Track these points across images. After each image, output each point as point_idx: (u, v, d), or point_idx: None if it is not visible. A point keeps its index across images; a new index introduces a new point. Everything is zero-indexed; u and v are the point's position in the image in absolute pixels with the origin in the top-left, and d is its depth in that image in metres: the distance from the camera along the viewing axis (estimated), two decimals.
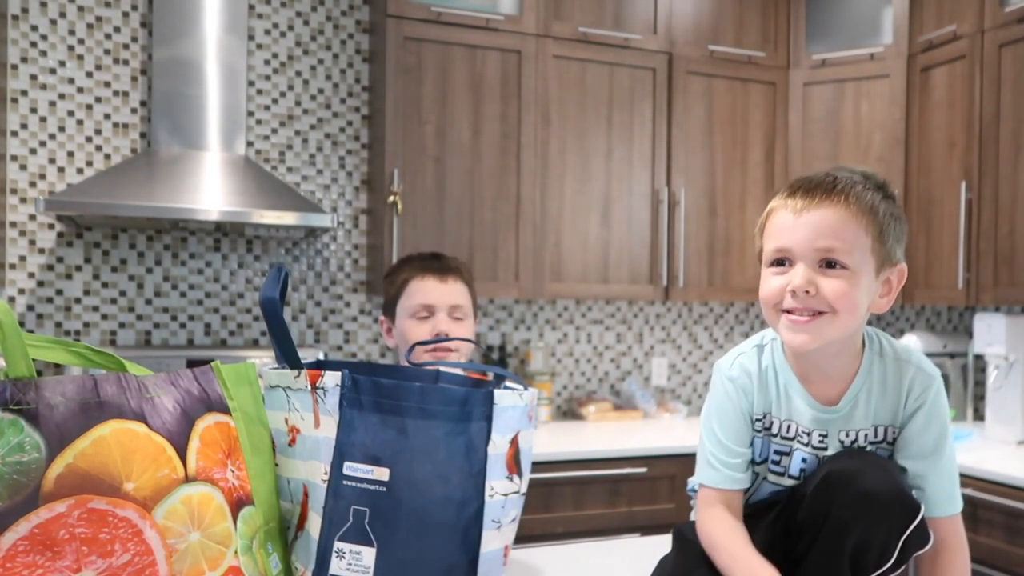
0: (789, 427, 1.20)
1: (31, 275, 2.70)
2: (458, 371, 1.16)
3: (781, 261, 1.11)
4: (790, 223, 1.10)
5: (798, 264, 1.08)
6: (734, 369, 1.22)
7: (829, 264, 1.07)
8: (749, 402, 1.20)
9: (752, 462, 1.23)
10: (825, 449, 1.17)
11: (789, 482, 1.20)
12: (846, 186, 1.09)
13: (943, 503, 1.13)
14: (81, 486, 0.70)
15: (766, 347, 1.22)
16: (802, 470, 1.19)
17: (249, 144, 2.90)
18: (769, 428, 1.21)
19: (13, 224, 2.68)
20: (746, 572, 1.09)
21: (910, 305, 3.37)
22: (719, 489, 1.20)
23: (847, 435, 1.16)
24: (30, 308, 2.70)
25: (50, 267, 2.71)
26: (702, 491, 1.22)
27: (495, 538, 0.98)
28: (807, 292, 1.06)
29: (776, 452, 1.22)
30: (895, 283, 1.13)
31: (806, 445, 1.18)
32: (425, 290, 1.59)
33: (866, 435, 1.16)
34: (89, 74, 2.75)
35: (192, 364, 2.62)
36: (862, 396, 1.15)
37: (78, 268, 2.74)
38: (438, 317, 1.57)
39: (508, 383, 1.09)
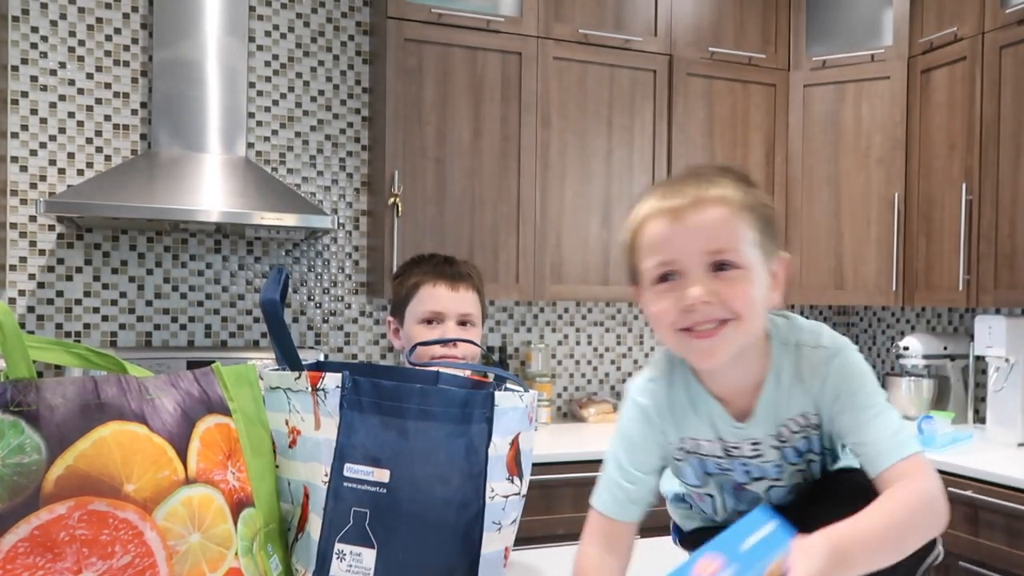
0: (715, 446, 1.11)
1: (31, 276, 2.70)
2: (458, 372, 1.16)
3: (667, 276, 0.98)
4: (669, 232, 0.97)
5: (689, 275, 0.96)
6: (645, 396, 1.11)
7: (721, 267, 0.96)
8: (662, 432, 1.10)
9: (685, 486, 1.16)
10: (761, 456, 1.08)
11: (756, 487, 1.12)
12: (717, 183, 0.99)
13: (889, 451, 0.99)
14: (81, 488, 0.70)
15: (676, 368, 1.11)
16: (747, 473, 1.11)
17: (249, 145, 2.90)
18: (697, 451, 1.12)
19: (13, 225, 2.68)
20: None
21: (911, 307, 3.37)
22: (604, 515, 1.11)
23: (773, 436, 1.08)
24: (30, 309, 2.70)
25: (50, 268, 2.72)
26: (589, 513, 1.13)
27: (495, 540, 0.98)
28: (706, 303, 0.95)
29: (707, 473, 1.13)
30: (781, 274, 1.04)
31: (738, 457, 1.09)
32: (436, 297, 1.57)
33: (791, 428, 1.07)
34: (89, 75, 2.75)
35: (192, 365, 2.62)
36: (776, 399, 1.05)
37: (78, 269, 2.74)
38: (447, 325, 1.56)
39: (508, 385, 1.09)
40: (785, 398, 1.05)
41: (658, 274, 0.98)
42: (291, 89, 2.97)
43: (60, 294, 2.72)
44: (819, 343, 1.06)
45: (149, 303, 2.81)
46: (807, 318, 1.09)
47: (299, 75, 2.98)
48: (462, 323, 1.57)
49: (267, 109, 2.94)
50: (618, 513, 1.11)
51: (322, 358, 2.89)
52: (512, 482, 0.99)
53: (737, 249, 0.96)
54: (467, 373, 1.16)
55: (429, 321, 1.56)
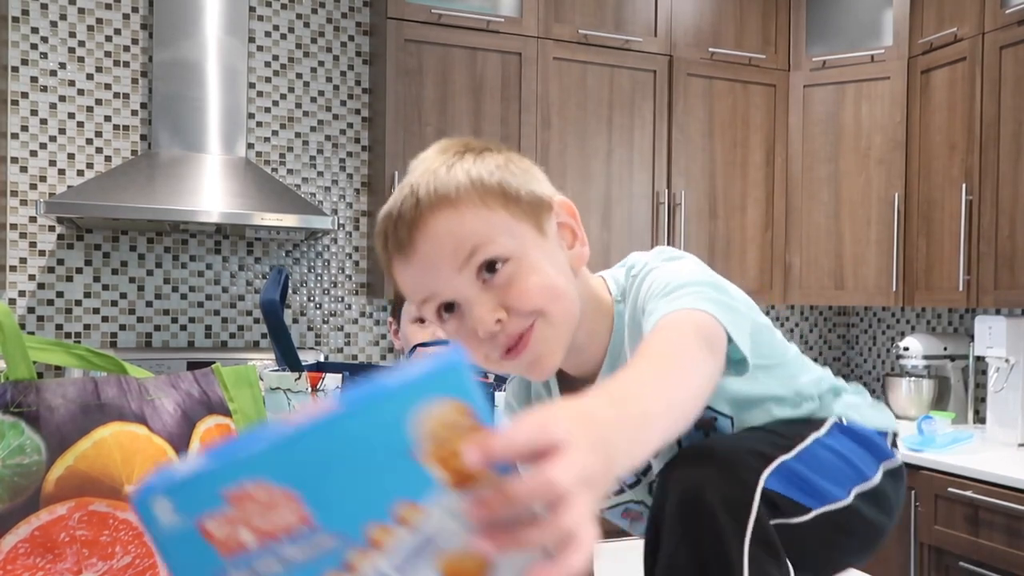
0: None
1: (32, 277, 2.70)
2: None
3: (448, 306, 0.83)
4: (412, 271, 0.82)
5: (461, 299, 0.81)
6: (509, 393, 1.03)
7: (489, 269, 0.80)
8: None
9: None
10: None
11: (628, 495, 0.97)
12: (428, 185, 0.80)
13: (668, 304, 0.81)
14: (82, 488, 0.70)
15: None
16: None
17: (249, 146, 2.90)
18: None
19: (14, 226, 2.68)
20: None
21: (911, 307, 3.37)
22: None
23: None
24: (31, 310, 2.70)
25: (51, 269, 2.71)
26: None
27: None
28: (498, 322, 0.80)
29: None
30: (569, 221, 0.88)
31: None
32: None
33: None
34: (89, 76, 2.75)
35: (193, 366, 2.61)
36: (618, 350, 0.89)
37: (79, 270, 2.74)
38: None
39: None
40: (626, 342, 0.88)
41: (434, 308, 0.83)
42: (291, 90, 2.97)
43: (60, 295, 2.72)
44: (649, 260, 0.91)
45: (149, 304, 2.81)
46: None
47: (299, 76, 2.98)
48: None
49: (267, 110, 2.94)
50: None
51: (322, 359, 2.88)
52: None
53: (488, 242, 0.79)
54: None
55: (421, 320, 1.57)
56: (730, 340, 0.77)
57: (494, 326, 0.79)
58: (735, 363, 0.80)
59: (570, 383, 0.94)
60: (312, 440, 0.39)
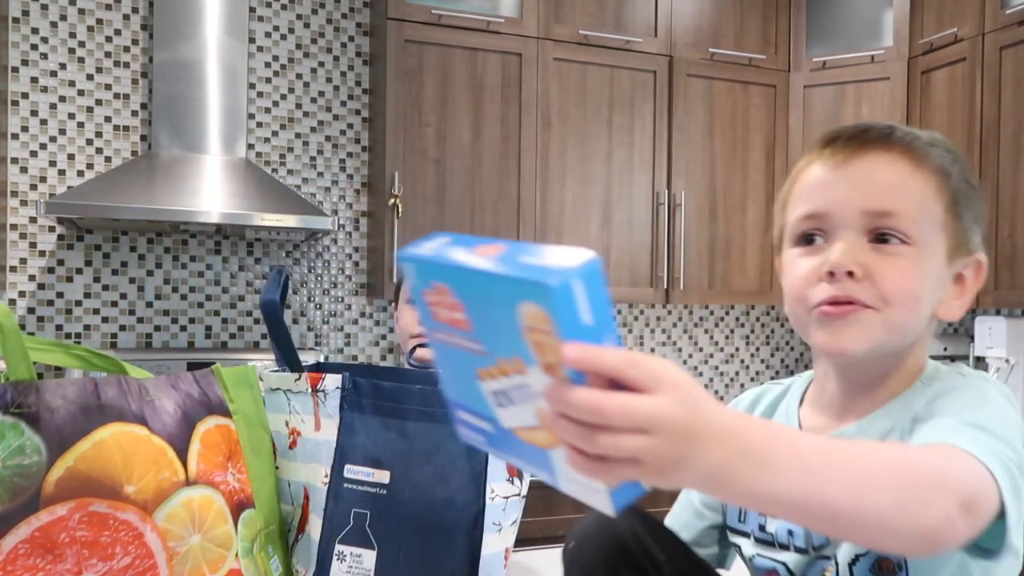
0: None
1: (32, 278, 2.70)
2: None
3: (811, 237, 0.78)
4: (827, 179, 0.77)
5: (840, 235, 0.76)
6: (732, 402, 0.97)
7: (882, 238, 0.74)
8: None
9: (728, 529, 0.93)
10: None
11: (785, 556, 0.84)
12: (907, 135, 0.78)
13: (953, 435, 0.66)
14: (82, 489, 0.70)
15: (795, 383, 0.92)
16: (791, 532, 0.83)
17: (250, 147, 2.90)
18: None
19: (14, 227, 2.68)
20: None
21: None
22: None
23: None
24: (31, 311, 2.70)
25: (51, 270, 2.71)
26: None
27: (496, 541, 0.98)
28: (850, 274, 0.74)
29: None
30: (971, 280, 0.80)
31: None
32: None
33: None
34: (90, 77, 2.75)
35: (193, 367, 2.61)
36: (880, 426, 0.79)
37: (79, 271, 2.74)
38: None
39: None
40: (884, 432, 0.77)
41: (802, 230, 0.78)
42: (291, 90, 2.97)
43: (60, 295, 2.72)
44: (955, 370, 0.80)
45: (149, 304, 2.81)
46: None
47: (299, 76, 2.98)
48: None
49: (267, 110, 2.94)
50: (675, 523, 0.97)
51: (322, 359, 2.89)
52: (512, 483, 0.99)
53: (910, 217, 0.74)
54: None
55: (412, 302, 1.59)
56: (1000, 519, 0.62)
57: (843, 270, 0.74)
58: (983, 549, 0.66)
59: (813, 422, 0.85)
60: (476, 276, 0.49)
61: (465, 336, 0.52)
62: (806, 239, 0.79)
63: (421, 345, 1.27)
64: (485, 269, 0.49)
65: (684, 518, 0.98)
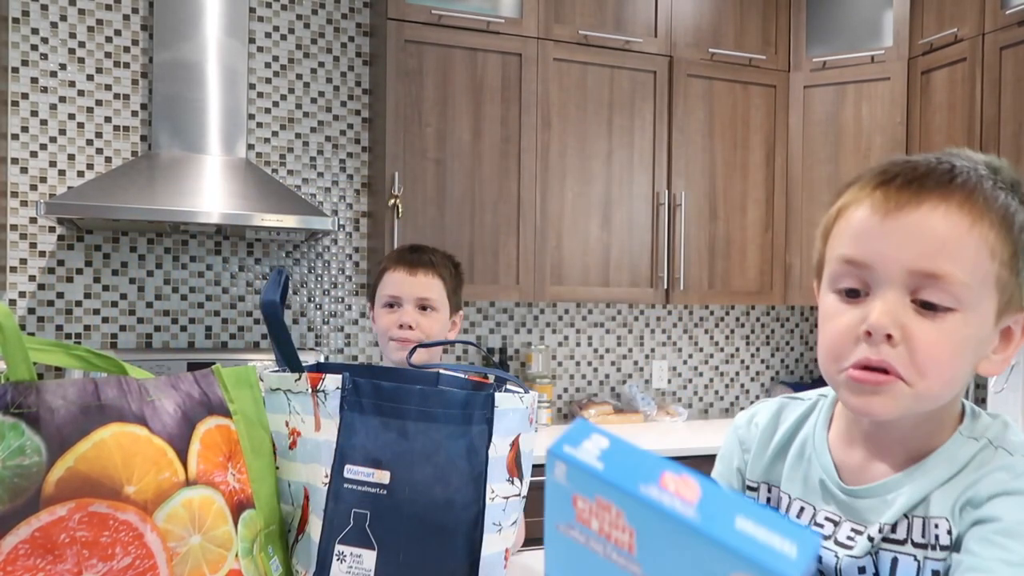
0: (801, 511, 0.85)
1: (32, 278, 2.70)
2: (458, 374, 1.16)
3: (854, 291, 0.73)
4: (874, 227, 0.71)
5: (881, 291, 0.70)
6: (746, 414, 0.94)
7: (927, 303, 0.69)
8: (742, 460, 0.91)
9: None
10: (852, 548, 0.79)
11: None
12: (970, 179, 0.70)
13: None
14: (82, 489, 0.70)
15: (819, 402, 0.88)
16: (837, 570, 0.81)
17: (250, 147, 2.90)
18: (768, 505, 0.89)
19: (14, 227, 2.68)
20: None
21: None
22: None
23: (889, 531, 0.76)
24: (31, 311, 2.70)
25: (51, 270, 2.72)
26: None
27: (496, 541, 0.98)
28: (888, 336, 0.69)
29: None
30: (1019, 335, 0.74)
31: (829, 538, 0.81)
32: (394, 281, 1.66)
33: (920, 533, 0.75)
34: (90, 77, 2.75)
35: (193, 367, 2.62)
36: (925, 482, 0.75)
37: (79, 271, 2.74)
38: (404, 308, 1.64)
39: (509, 386, 1.09)
40: (926, 491, 0.75)
41: (842, 274, 0.73)
42: (291, 90, 2.97)
43: (60, 296, 2.72)
44: (999, 420, 0.76)
45: (149, 305, 2.81)
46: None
47: (299, 76, 2.98)
48: (422, 307, 1.65)
49: (267, 111, 2.94)
50: None
51: (322, 359, 2.89)
52: (512, 483, 0.99)
53: (959, 281, 0.68)
54: (467, 375, 1.16)
55: (390, 305, 1.65)
56: None
57: (881, 335, 0.69)
58: None
59: (846, 466, 0.82)
60: (663, 518, 0.47)
61: (623, 555, 0.50)
62: (849, 291, 0.74)
63: (422, 344, 1.27)
64: (689, 522, 0.47)
65: None
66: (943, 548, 0.73)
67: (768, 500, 0.89)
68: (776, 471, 0.88)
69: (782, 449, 0.88)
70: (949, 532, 0.73)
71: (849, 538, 0.80)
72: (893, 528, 0.76)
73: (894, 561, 0.76)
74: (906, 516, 0.76)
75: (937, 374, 0.70)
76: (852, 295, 0.73)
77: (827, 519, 0.82)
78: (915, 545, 0.75)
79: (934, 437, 0.76)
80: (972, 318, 0.70)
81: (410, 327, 1.62)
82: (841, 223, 0.75)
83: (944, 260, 0.68)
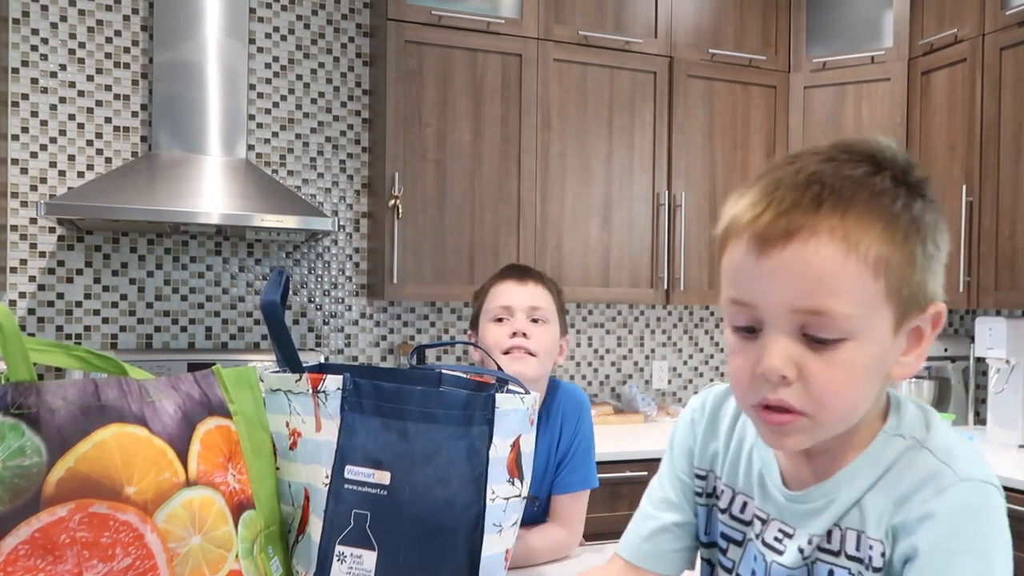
0: (745, 505, 0.84)
1: (32, 279, 2.70)
2: (459, 375, 1.16)
3: (749, 328, 0.71)
4: (750, 270, 0.69)
5: (770, 332, 0.69)
6: (699, 396, 0.94)
7: (817, 339, 0.68)
8: (693, 442, 0.92)
9: (700, 543, 0.93)
10: (781, 553, 0.79)
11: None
12: (842, 197, 0.67)
13: None
14: (82, 490, 0.70)
15: None
16: (752, 572, 0.83)
17: (250, 147, 2.90)
18: (714, 494, 0.89)
19: (14, 228, 2.68)
20: None
21: None
22: (616, 553, 0.95)
23: (823, 541, 0.76)
24: (31, 312, 2.70)
25: (51, 271, 2.71)
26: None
27: (496, 542, 0.98)
28: (784, 378, 0.69)
29: (724, 537, 0.87)
30: (928, 331, 0.73)
31: (757, 538, 0.82)
32: (503, 292, 1.57)
33: (836, 544, 0.76)
34: (90, 78, 2.75)
35: (193, 368, 2.61)
36: (847, 492, 0.76)
37: (79, 272, 2.74)
38: (516, 317, 1.53)
39: (510, 387, 1.09)
40: (856, 496, 0.75)
41: (733, 313, 0.72)
42: (291, 91, 2.97)
43: (60, 296, 2.72)
44: (949, 462, 0.72)
45: (149, 305, 2.81)
46: None
47: (299, 77, 2.98)
48: (532, 318, 1.54)
49: (267, 111, 2.94)
50: (624, 549, 0.95)
51: (323, 360, 2.88)
52: (513, 484, 0.99)
53: (843, 314, 0.66)
54: (468, 375, 1.16)
55: (500, 319, 1.54)
56: None
57: (775, 377, 0.69)
58: None
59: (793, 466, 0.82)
60: None
61: None
62: (743, 328, 0.72)
63: (427, 345, 1.27)
64: None
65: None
66: (876, 570, 0.73)
67: (714, 490, 0.89)
68: (719, 461, 0.88)
69: (726, 439, 0.88)
70: (883, 555, 0.72)
71: (776, 539, 0.80)
72: (827, 538, 0.76)
73: (830, 573, 0.76)
74: (838, 526, 0.75)
75: (838, 405, 0.69)
76: (748, 331, 0.71)
77: (756, 516, 0.82)
78: (849, 558, 0.75)
79: (858, 438, 0.76)
80: (866, 342, 0.68)
81: (524, 335, 1.51)
82: (725, 258, 0.73)
83: (823, 296, 0.66)
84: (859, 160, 0.70)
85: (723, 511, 0.87)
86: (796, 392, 0.69)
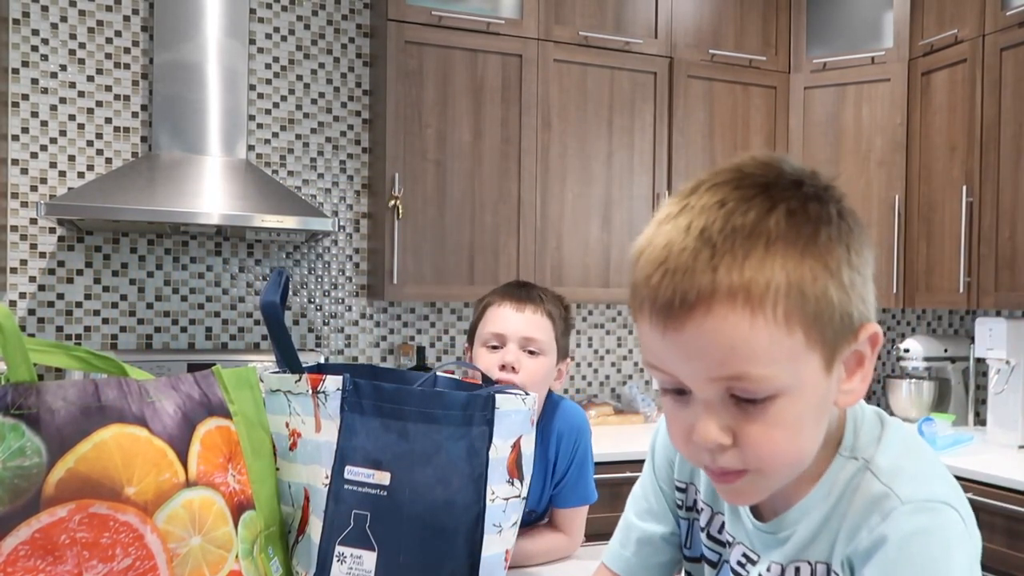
0: (722, 526, 0.84)
1: (32, 279, 2.70)
2: (457, 375, 1.16)
3: (679, 390, 0.68)
4: (659, 343, 0.65)
5: (696, 401, 0.66)
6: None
7: (745, 400, 0.64)
8: (672, 453, 0.90)
9: (685, 557, 0.92)
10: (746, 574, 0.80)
11: None
12: (736, 258, 0.62)
13: None
14: (82, 490, 0.70)
15: None
16: None
17: (250, 148, 2.90)
18: (694, 508, 0.88)
19: (14, 228, 2.68)
20: None
21: (911, 309, 3.37)
22: (603, 563, 0.96)
23: (780, 570, 0.75)
24: (31, 312, 2.70)
25: (51, 271, 2.71)
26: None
27: (496, 542, 0.98)
28: (721, 446, 0.66)
29: (703, 558, 0.87)
30: (869, 352, 0.69)
31: (730, 558, 0.82)
32: (498, 318, 1.48)
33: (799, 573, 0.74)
34: (90, 78, 2.75)
35: (193, 368, 2.61)
36: (809, 519, 0.74)
37: (79, 272, 2.74)
38: (508, 348, 1.45)
39: (510, 387, 1.09)
40: (814, 527, 0.73)
41: (658, 377, 0.68)
42: (291, 91, 2.97)
43: (61, 297, 2.72)
44: (892, 484, 0.69)
45: (150, 306, 2.81)
46: None
47: (299, 77, 2.98)
48: (526, 349, 1.45)
49: (267, 111, 2.94)
50: (609, 557, 0.96)
51: (323, 360, 2.88)
52: (513, 484, 0.99)
53: (760, 376, 0.63)
54: (469, 376, 1.16)
55: (493, 346, 1.47)
56: None
57: (711, 447, 0.66)
58: None
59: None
60: None
61: None
62: (673, 390, 0.68)
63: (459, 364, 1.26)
64: None
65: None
66: None
67: (694, 504, 0.88)
68: (699, 474, 0.86)
69: None
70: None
71: (740, 563, 0.79)
72: (796, 572, 0.74)
73: None
74: (808, 562, 0.73)
75: (783, 459, 0.66)
76: (678, 393, 0.68)
77: (729, 537, 0.82)
78: None
79: (817, 465, 0.72)
80: (798, 393, 0.64)
81: (513, 368, 1.42)
82: (636, 320, 0.68)
83: (737, 363, 0.62)
84: (751, 197, 0.66)
85: (702, 529, 0.86)
86: (736, 456, 0.66)
